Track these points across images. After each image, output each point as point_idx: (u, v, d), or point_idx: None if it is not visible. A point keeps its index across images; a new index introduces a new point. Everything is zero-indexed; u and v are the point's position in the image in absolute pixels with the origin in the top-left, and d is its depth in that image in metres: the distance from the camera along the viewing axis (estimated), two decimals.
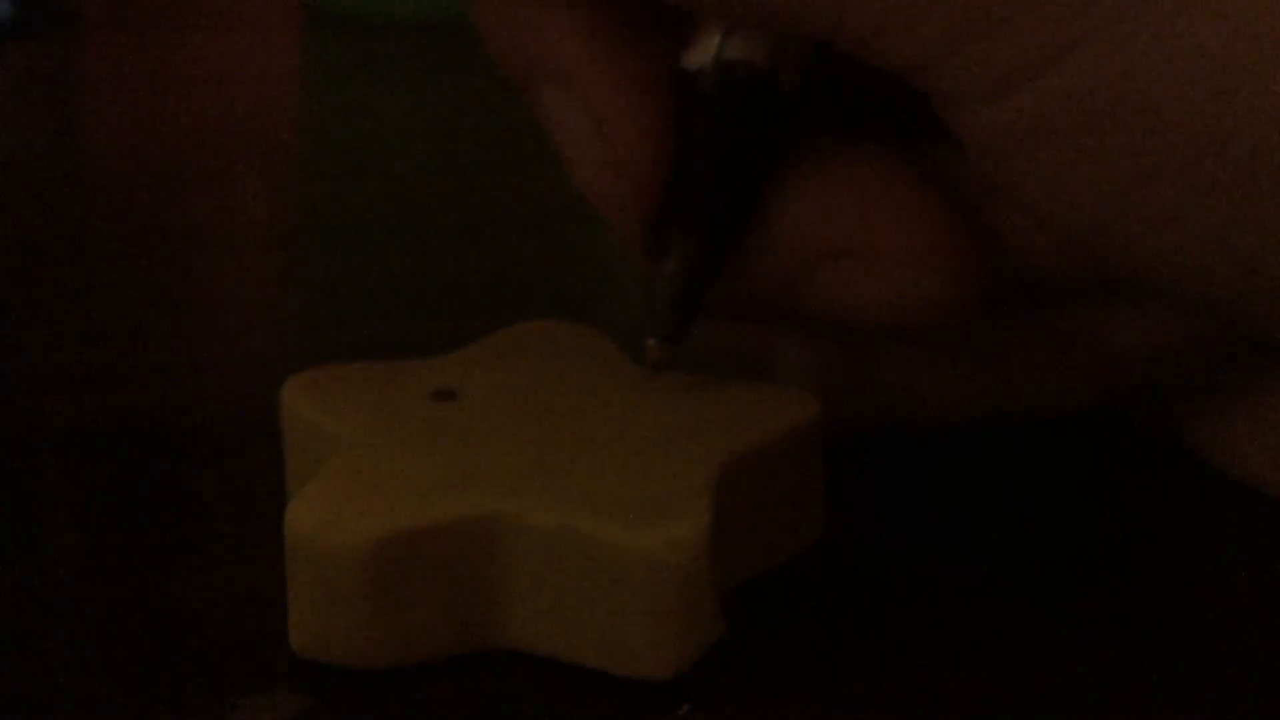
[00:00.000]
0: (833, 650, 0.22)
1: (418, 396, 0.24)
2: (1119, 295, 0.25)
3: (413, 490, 0.21)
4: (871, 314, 0.23)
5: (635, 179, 0.23)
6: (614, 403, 0.24)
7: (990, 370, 0.26)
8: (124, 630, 0.22)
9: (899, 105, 0.22)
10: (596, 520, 0.20)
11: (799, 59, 0.23)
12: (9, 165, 0.47)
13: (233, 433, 0.28)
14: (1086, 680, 0.21)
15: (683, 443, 0.22)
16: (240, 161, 0.49)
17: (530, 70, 0.23)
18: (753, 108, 0.23)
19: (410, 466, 0.22)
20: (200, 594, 0.23)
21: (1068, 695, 0.21)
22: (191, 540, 0.24)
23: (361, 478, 0.21)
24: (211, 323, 0.35)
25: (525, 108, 0.24)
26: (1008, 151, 0.21)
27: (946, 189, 0.24)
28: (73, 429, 0.28)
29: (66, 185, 0.46)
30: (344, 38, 0.66)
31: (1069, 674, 0.21)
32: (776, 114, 0.23)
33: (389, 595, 0.20)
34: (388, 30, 0.65)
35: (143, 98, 0.57)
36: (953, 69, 0.21)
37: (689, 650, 0.20)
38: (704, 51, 0.23)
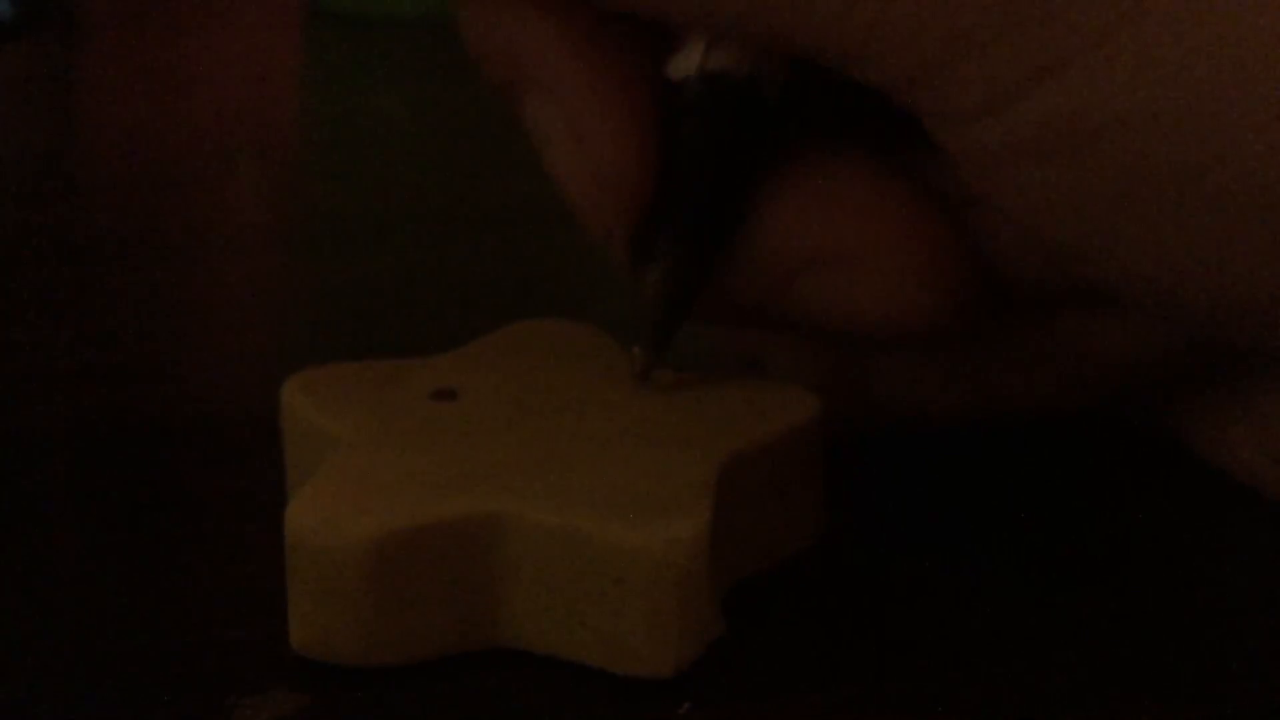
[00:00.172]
0: (832, 649, 0.22)
1: (418, 395, 0.24)
2: (1110, 300, 0.25)
3: (412, 489, 0.21)
4: (858, 321, 0.23)
5: (619, 190, 0.23)
6: (614, 401, 0.24)
7: (980, 372, 0.26)
8: (124, 629, 0.22)
9: (885, 110, 0.22)
10: (596, 518, 0.20)
11: (783, 68, 0.23)
12: (8, 165, 0.47)
13: (233, 432, 0.28)
14: (1086, 680, 0.21)
15: (683, 441, 0.22)
16: (240, 160, 0.49)
17: (514, 80, 0.23)
18: (737, 117, 0.23)
19: (410, 465, 0.22)
20: (200, 592, 0.23)
21: (1067, 695, 0.21)
22: (191, 539, 0.24)
23: (361, 476, 0.21)
24: (211, 322, 0.35)
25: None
26: (990, 168, 0.22)
27: (933, 194, 0.24)
28: (72, 428, 0.28)
29: (66, 184, 0.46)
30: (343, 36, 0.66)
31: (1069, 674, 0.21)
32: (761, 122, 0.23)
33: (389, 594, 0.20)
34: (387, 29, 0.65)
35: (142, 97, 0.57)
36: (935, 89, 0.21)
37: (689, 648, 0.20)
38: (688, 61, 0.23)
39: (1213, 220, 0.20)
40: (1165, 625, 0.22)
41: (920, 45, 0.20)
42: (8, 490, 0.26)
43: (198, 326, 0.34)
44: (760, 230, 0.23)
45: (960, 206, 0.24)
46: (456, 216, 0.43)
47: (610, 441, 0.22)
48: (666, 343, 0.24)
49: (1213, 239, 0.21)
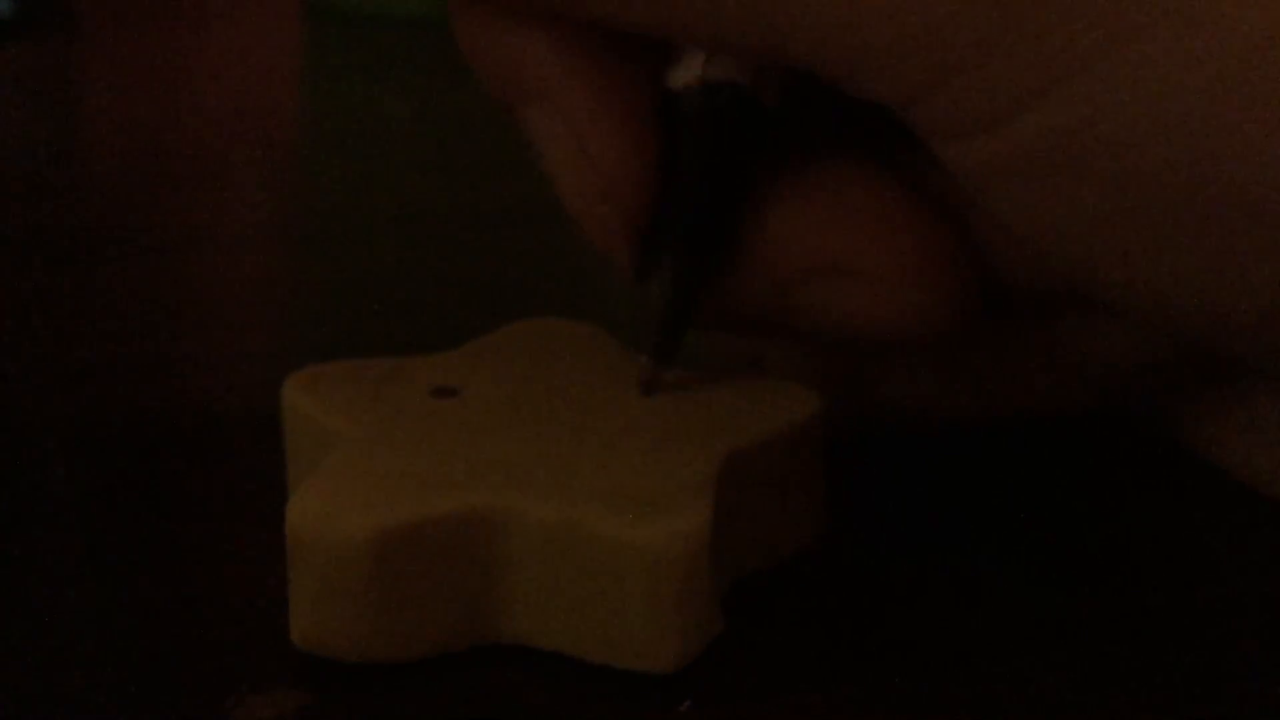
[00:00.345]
0: (833, 648, 0.22)
1: (419, 393, 0.24)
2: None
3: (413, 485, 0.21)
4: (859, 328, 0.23)
5: (621, 200, 0.23)
6: (615, 398, 0.24)
7: (980, 373, 0.26)
8: (125, 626, 0.22)
9: (884, 117, 0.22)
10: (597, 514, 0.20)
11: (782, 77, 0.23)
12: (9, 162, 0.47)
13: (234, 429, 0.28)
14: (1086, 679, 0.21)
15: (684, 438, 0.22)
16: (240, 159, 0.49)
17: (514, 92, 0.23)
18: (737, 126, 0.23)
19: (411, 462, 0.22)
20: (201, 590, 0.23)
21: (1067, 694, 0.21)
22: (192, 536, 0.24)
23: (362, 473, 0.21)
24: (212, 320, 0.35)
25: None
26: (987, 183, 0.22)
27: (933, 200, 0.24)
28: (73, 425, 0.28)
29: (66, 182, 0.46)
30: (344, 35, 0.66)
31: (1068, 673, 0.21)
32: (761, 131, 0.23)
33: (390, 590, 0.20)
34: (388, 27, 0.65)
35: (142, 96, 0.57)
36: (931, 106, 0.21)
37: (689, 645, 0.20)
38: (688, 71, 0.23)
39: (1210, 234, 0.21)
40: (1165, 625, 0.22)
41: (915, 64, 0.20)
42: (8, 488, 0.26)
43: (198, 324, 0.34)
44: (761, 239, 0.23)
45: (959, 212, 0.24)
46: (457, 215, 0.43)
47: (611, 438, 0.22)
48: (672, 352, 0.24)
49: (1210, 252, 0.21)
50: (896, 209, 0.23)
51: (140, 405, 0.29)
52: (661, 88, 0.23)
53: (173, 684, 0.20)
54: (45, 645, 0.21)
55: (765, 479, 0.23)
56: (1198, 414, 0.26)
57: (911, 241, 0.23)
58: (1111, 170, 0.20)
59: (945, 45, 0.20)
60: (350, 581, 0.20)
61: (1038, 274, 0.24)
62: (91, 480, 0.26)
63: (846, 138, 0.24)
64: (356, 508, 0.20)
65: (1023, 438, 0.27)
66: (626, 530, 0.20)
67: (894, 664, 0.21)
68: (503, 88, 0.24)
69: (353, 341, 0.31)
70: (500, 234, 0.40)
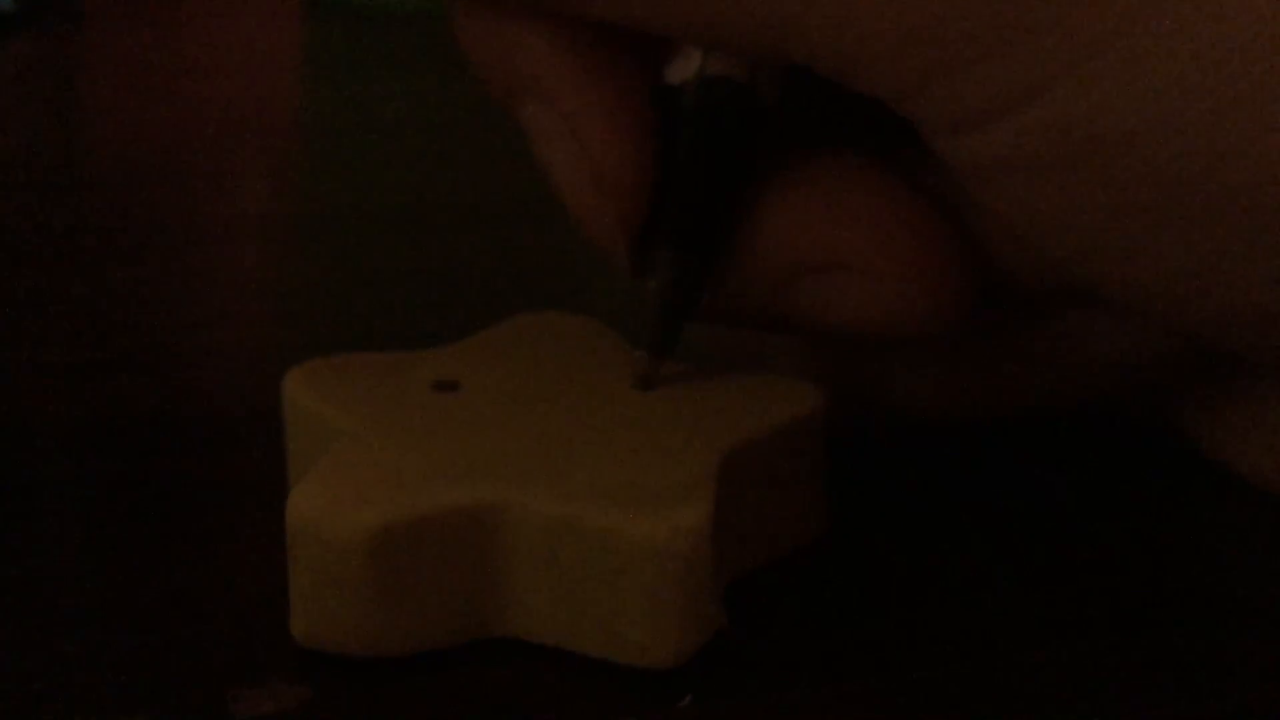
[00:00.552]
0: (833, 643, 0.22)
1: (420, 387, 0.24)
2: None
3: (414, 479, 0.21)
4: (857, 324, 0.23)
5: (619, 196, 0.23)
6: (616, 393, 0.24)
7: (981, 370, 0.26)
8: (125, 620, 0.22)
9: (883, 113, 0.22)
10: (598, 509, 0.20)
11: (781, 73, 0.23)
12: (10, 157, 0.47)
13: (234, 423, 0.28)
14: (1087, 677, 0.21)
15: (685, 432, 0.22)
16: (241, 152, 0.49)
17: (512, 88, 0.23)
18: (735, 121, 0.23)
19: (412, 456, 0.22)
20: (201, 583, 0.23)
21: (1069, 691, 0.21)
22: (193, 530, 0.24)
23: (363, 467, 0.21)
24: (213, 313, 0.35)
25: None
26: (986, 179, 0.22)
27: (931, 196, 0.24)
28: (74, 420, 0.28)
29: (68, 177, 0.46)
30: (344, 28, 0.66)
31: (1069, 671, 0.21)
32: (759, 127, 0.23)
33: (390, 584, 0.20)
34: (388, 20, 0.65)
35: (143, 89, 0.57)
36: (930, 100, 0.21)
37: (690, 640, 0.20)
38: (686, 66, 0.23)
39: (1210, 228, 0.21)
40: (1165, 625, 0.22)
41: (914, 58, 0.20)
42: (9, 482, 0.26)
43: (199, 318, 0.34)
44: (759, 234, 0.23)
45: (957, 208, 0.24)
46: (458, 208, 0.43)
47: (612, 432, 0.22)
48: (670, 347, 0.24)
49: (1210, 247, 0.21)
50: (894, 205, 0.23)
51: (140, 399, 0.29)
52: (660, 83, 0.23)
53: (173, 678, 0.20)
54: (45, 639, 0.21)
55: (766, 474, 0.23)
56: (1198, 411, 0.26)
57: (909, 238, 0.23)
58: (1110, 165, 0.20)
59: (944, 39, 0.20)
60: (350, 576, 0.20)
61: (1037, 270, 0.24)
62: (92, 474, 0.26)
63: (845, 134, 0.24)
64: (357, 502, 0.20)
65: (1023, 437, 0.27)
66: (627, 525, 0.20)
67: (894, 660, 0.21)
68: (500, 84, 0.24)
69: (354, 335, 0.31)
70: (501, 228, 0.40)
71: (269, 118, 0.55)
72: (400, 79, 0.58)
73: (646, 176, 0.23)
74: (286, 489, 0.24)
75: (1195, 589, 0.23)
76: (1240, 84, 0.20)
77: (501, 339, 0.25)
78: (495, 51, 0.23)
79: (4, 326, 0.33)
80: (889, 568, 0.23)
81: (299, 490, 0.21)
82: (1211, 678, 0.21)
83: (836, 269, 0.23)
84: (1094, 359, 0.25)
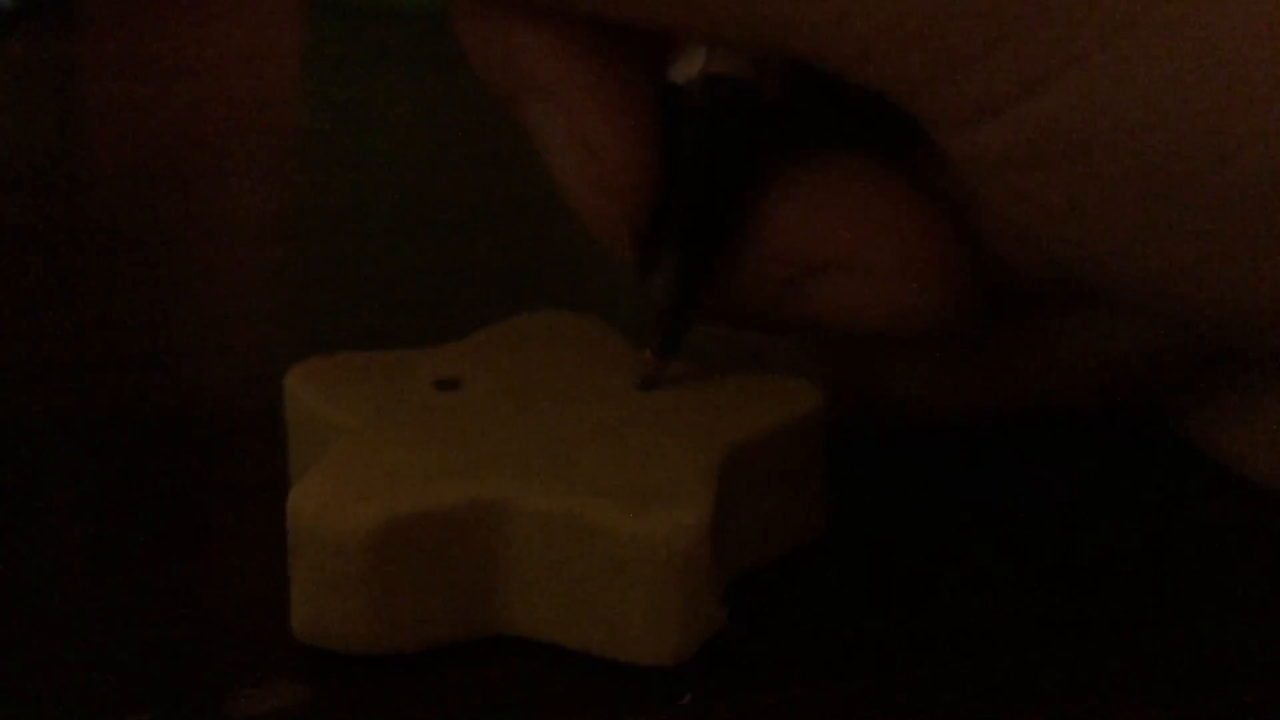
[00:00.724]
0: (834, 642, 0.22)
1: (421, 385, 0.24)
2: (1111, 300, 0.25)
3: (415, 477, 0.21)
4: (859, 323, 0.23)
5: (623, 195, 0.23)
6: (617, 391, 0.24)
7: (983, 368, 0.26)
8: (125, 617, 0.22)
9: (886, 111, 0.22)
10: (599, 507, 0.20)
11: (785, 70, 0.23)
12: (9, 155, 0.47)
13: (235, 421, 0.28)
14: (1087, 676, 0.21)
15: (686, 430, 0.22)
16: (241, 151, 0.49)
17: (515, 88, 0.23)
18: (739, 120, 0.23)
19: (413, 453, 0.22)
20: (202, 581, 0.23)
21: (1069, 691, 0.21)
22: (193, 528, 0.24)
23: (364, 464, 0.21)
24: (214, 311, 0.35)
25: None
26: (989, 174, 0.22)
27: (934, 195, 0.24)
28: (74, 418, 0.28)
29: (66, 175, 0.46)
30: (344, 27, 0.66)
31: (1070, 670, 0.21)
32: (763, 125, 0.23)
33: (390, 582, 0.20)
34: (388, 19, 0.65)
35: (142, 87, 0.57)
36: (935, 94, 0.21)
37: (690, 638, 0.20)
38: (690, 65, 0.23)
39: (1214, 223, 0.21)
40: (1165, 625, 0.22)
41: (917, 53, 0.20)
42: (9, 480, 0.26)
43: (200, 316, 0.34)
44: (762, 234, 0.23)
45: (961, 207, 0.24)
46: (459, 207, 0.43)
47: (613, 431, 0.22)
48: (674, 348, 0.24)
49: (1214, 241, 0.21)
50: (898, 204, 0.23)
51: (141, 397, 0.29)
52: (663, 81, 0.23)
53: (173, 675, 0.20)
54: (45, 636, 0.21)
55: (768, 473, 0.23)
56: (1200, 408, 0.26)
57: (912, 237, 0.23)
58: (1116, 159, 0.20)
59: (949, 34, 0.20)
60: (351, 574, 0.20)
61: (1039, 268, 0.24)
62: (92, 472, 0.26)
63: (848, 132, 0.24)
64: (358, 500, 0.20)
65: (1022, 436, 0.27)
66: (628, 523, 0.20)
67: (895, 659, 0.21)
68: (502, 83, 0.23)
69: (355, 333, 0.31)
70: (503, 226, 0.40)
71: (268, 116, 0.55)
72: (400, 78, 0.58)
73: (650, 176, 0.23)
74: (287, 487, 0.24)
75: (1195, 589, 0.23)
76: (1244, 77, 0.20)
77: (503, 337, 0.25)
78: (497, 52, 0.23)
79: (3, 324, 0.33)
80: (889, 568, 0.23)
81: (300, 488, 0.21)
82: (1211, 678, 0.21)
83: (839, 268, 0.23)
84: (1095, 356, 0.25)
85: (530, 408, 0.23)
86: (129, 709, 0.20)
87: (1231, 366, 0.25)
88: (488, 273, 0.37)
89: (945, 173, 0.23)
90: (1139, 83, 0.20)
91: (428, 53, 0.58)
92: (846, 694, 0.20)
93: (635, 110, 0.23)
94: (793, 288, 0.23)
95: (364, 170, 0.47)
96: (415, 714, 0.20)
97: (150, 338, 0.32)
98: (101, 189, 0.45)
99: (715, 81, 0.23)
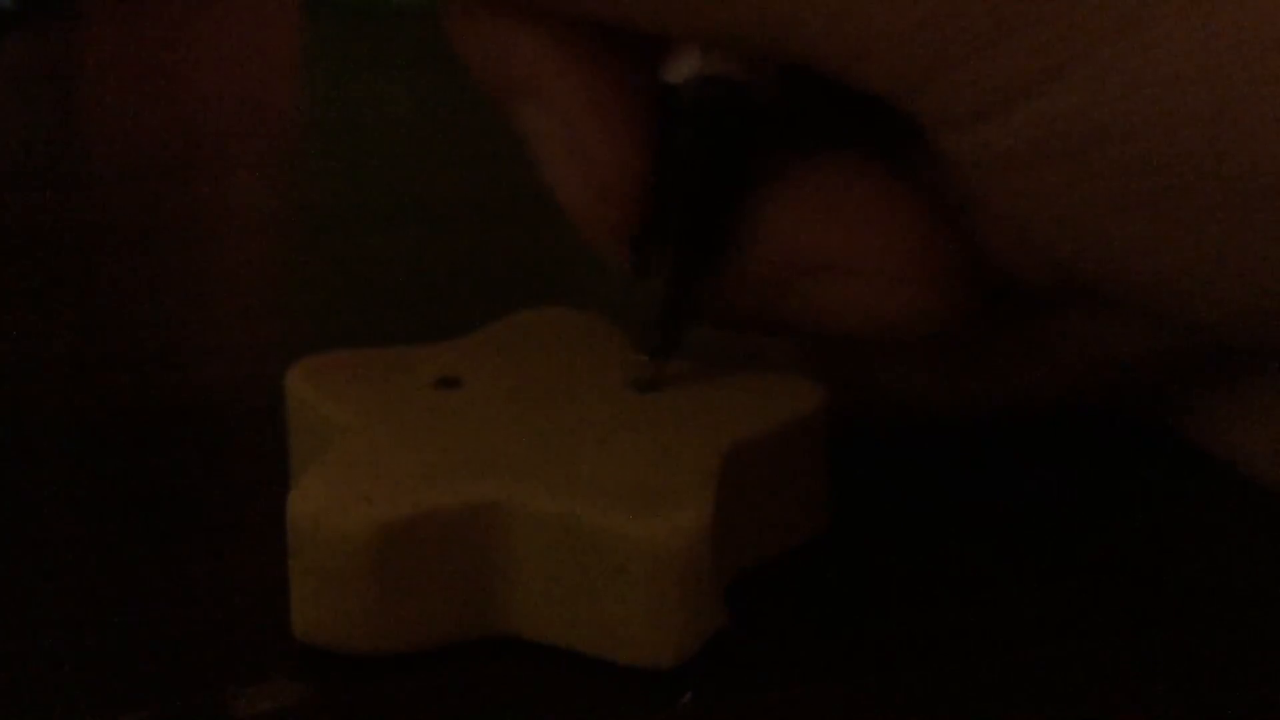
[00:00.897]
0: (834, 641, 0.22)
1: (422, 383, 0.24)
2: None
3: (416, 476, 0.21)
4: (856, 324, 0.23)
5: (614, 199, 0.23)
6: (618, 389, 0.24)
7: (983, 367, 0.26)
8: (125, 616, 0.22)
9: (883, 112, 0.22)
10: (599, 507, 0.20)
11: (779, 71, 0.23)
12: (10, 153, 0.47)
13: (236, 419, 0.28)
14: (1087, 676, 0.21)
15: (687, 430, 0.22)
16: (241, 149, 0.49)
17: (508, 88, 0.23)
18: (734, 121, 0.23)
19: (413, 453, 0.22)
20: (202, 580, 0.23)
21: (1069, 691, 0.21)
22: (194, 526, 0.24)
23: (364, 464, 0.21)
24: (214, 309, 0.35)
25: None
26: (990, 174, 0.21)
27: (932, 195, 0.24)
28: (74, 416, 0.28)
29: (67, 173, 0.46)
30: (344, 24, 0.66)
31: (1070, 670, 0.21)
32: (758, 126, 0.23)
33: (391, 581, 0.20)
34: (388, 17, 0.65)
35: (143, 87, 0.57)
36: (930, 96, 0.21)
37: (691, 639, 0.20)
38: (685, 66, 0.23)
39: (1215, 221, 0.20)
40: (1165, 625, 0.22)
41: (914, 53, 0.20)
42: (9, 478, 0.26)
43: (201, 314, 0.34)
44: (757, 235, 0.23)
45: (957, 208, 0.24)
46: (459, 204, 0.43)
47: (614, 430, 0.22)
48: (670, 350, 0.24)
49: (1215, 240, 0.21)
50: (894, 205, 0.23)
51: (142, 394, 0.29)
52: (657, 82, 0.23)
53: (174, 675, 0.20)
54: (45, 633, 0.21)
55: (768, 472, 0.23)
56: (1200, 407, 0.26)
57: (909, 238, 0.23)
58: (1115, 158, 0.20)
59: (946, 33, 0.20)
60: (351, 574, 0.20)
61: (1038, 268, 0.24)
62: (92, 470, 0.26)
63: (844, 133, 0.24)
64: (358, 501, 0.20)
65: (1022, 436, 0.27)
66: (628, 524, 0.20)
67: (895, 658, 0.21)
68: (495, 84, 0.23)
69: (355, 331, 0.31)
70: (503, 222, 0.40)
71: (268, 114, 0.55)
72: (399, 75, 0.58)
73: (642, 179, 0.23)
74: (288, 485, 0.24)
75: (1195, 589, 0.23)
76: (1244, 75, 0.20)
77: (504, 335, 0.25)
78: (489, 52, 0.23)
79: (3, 323, 0.33)
80: (889, 567, 0.23)
81: (300, 488, 0.21)
82: (1211, 678, 0.21)
83: (835, 270, 0.23)
84: (1095, 357, 0.25)
85: (530, 406, 0.23)
86: (129, 707, 0.20)
87: (1232, 366, 0.25)
88: (489, 270, 0.37)
89: (944, 173, 0.23)
90: (1138, 82, 0.20)
91: (427, 52, 0.58)
92: (846, 694, 0.20)
93: (628, 113, 0.23)
94: (789, 289, 0.23)
95: (364, 168, 0.47)
96: (415, 714, 0.20)
97: (150, 336, 0.32)
98: (101, 188, 0.45)
99: (710, 83, 0.23)
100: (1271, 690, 0.21)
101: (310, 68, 0.64)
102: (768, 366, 0.25)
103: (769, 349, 0.27)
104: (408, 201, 0.43)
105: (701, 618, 0.21)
